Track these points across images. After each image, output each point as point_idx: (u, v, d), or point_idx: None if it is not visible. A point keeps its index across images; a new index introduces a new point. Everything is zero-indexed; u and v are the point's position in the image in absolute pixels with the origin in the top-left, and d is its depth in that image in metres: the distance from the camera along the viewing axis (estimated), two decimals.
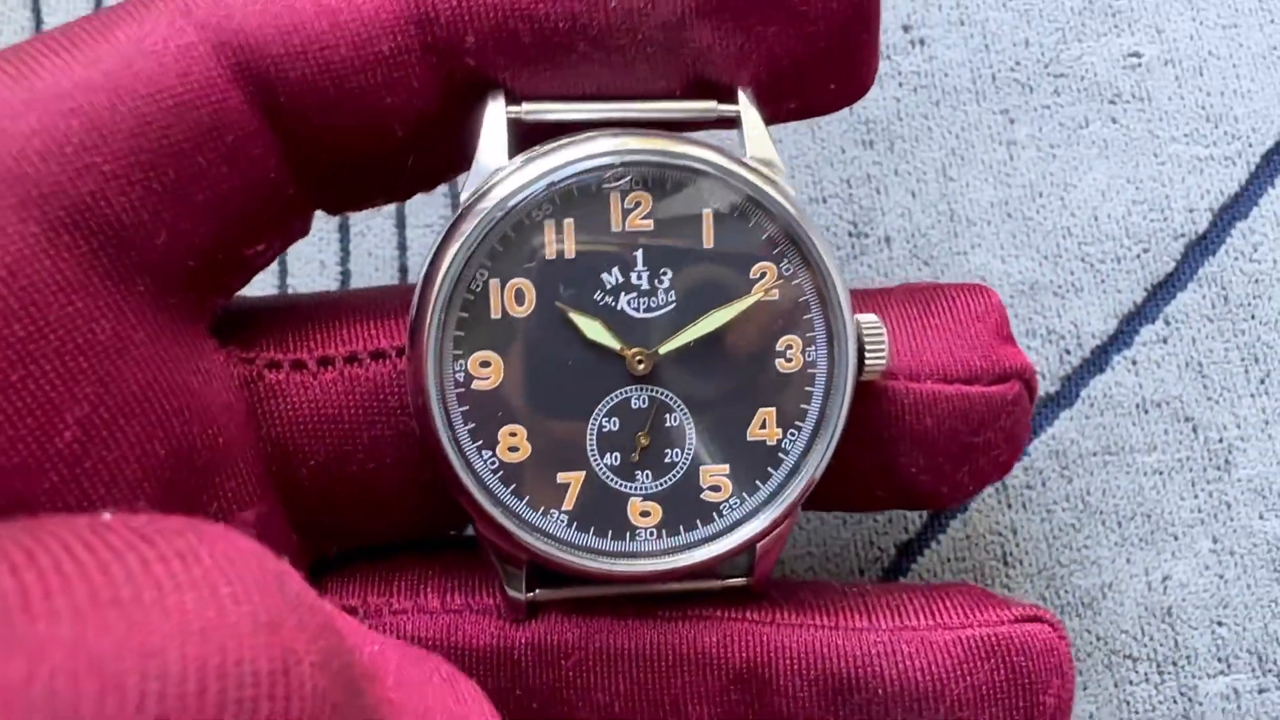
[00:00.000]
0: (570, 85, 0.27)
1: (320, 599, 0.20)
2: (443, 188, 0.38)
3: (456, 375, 0.27)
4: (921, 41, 0.40)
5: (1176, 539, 0.36)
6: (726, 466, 0.28)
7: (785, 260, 0.28)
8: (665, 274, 0.27)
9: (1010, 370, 0.30)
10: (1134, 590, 0.36)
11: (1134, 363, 0.38)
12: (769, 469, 0.28)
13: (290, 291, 0.39)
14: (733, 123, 0.28)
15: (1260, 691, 0.35)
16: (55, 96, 0.23)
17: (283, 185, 0.27)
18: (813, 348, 0.28)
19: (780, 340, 0.28)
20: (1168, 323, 0.38)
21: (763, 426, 0.28)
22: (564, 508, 0.28)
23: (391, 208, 0.39)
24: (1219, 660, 0.36)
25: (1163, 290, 0.38)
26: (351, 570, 0.30)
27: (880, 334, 0.28)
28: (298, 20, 0.25)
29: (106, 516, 0.18)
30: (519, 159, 0.27)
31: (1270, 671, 0.35)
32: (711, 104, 0.28)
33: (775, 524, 0.28)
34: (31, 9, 0.40)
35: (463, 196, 0.27)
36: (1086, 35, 0.40)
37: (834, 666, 0.28)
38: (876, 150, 0.40)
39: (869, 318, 0.28)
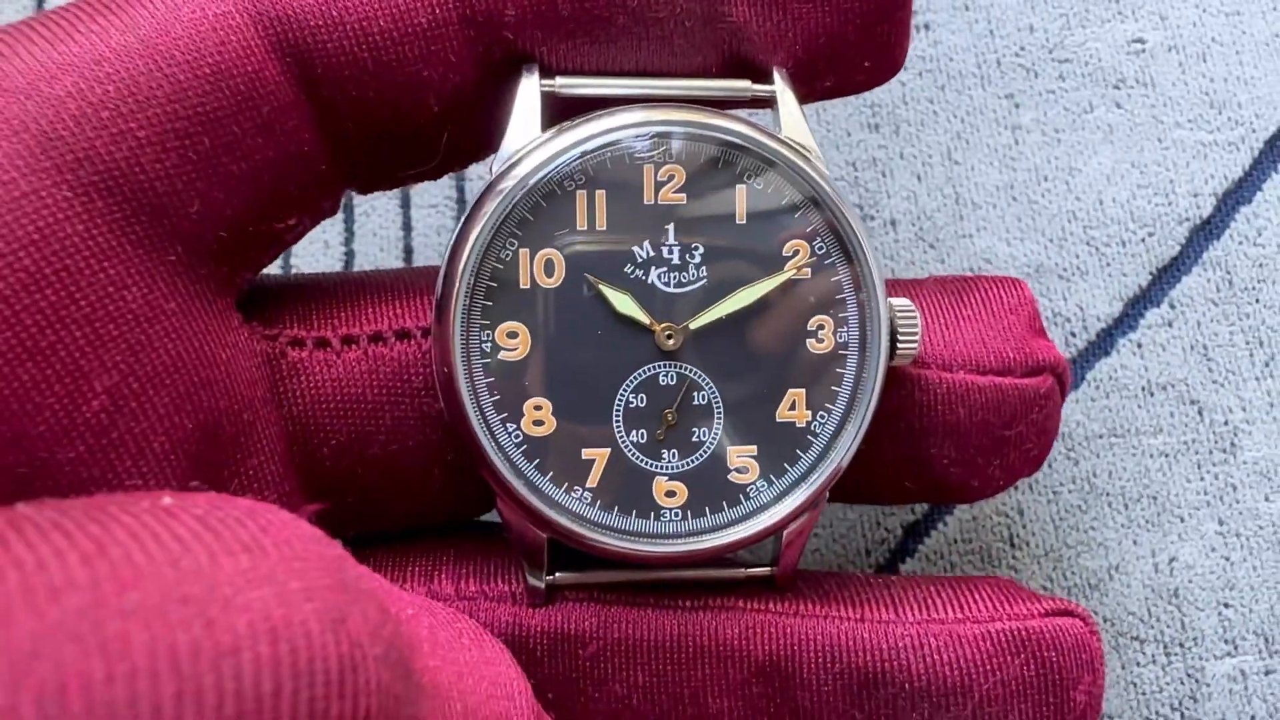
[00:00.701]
0: (606, 60, 0.27)
1: (369, 574, 0.20)
2: None
3: (483, 345, 0.27)
4: (926, 26, 0.40)
5: (1183, 521, 0.37)
6: (754, 447, 0.28)
7: (818, 239, 0.27)
8: (697, 249, 0.27)
9: (1043, 363, 0.30)
10: (1140, 572, 0.36)
11: (1139, 346, 0.38)
12: (798, 452, 0.28)
13: (294, 271, 0.38)
14: (767, 103, 0.28)
15: (1267, 673, 0.36)
16: (92, 61, 0.23)
17: (316, 159, 0.26)
18: (845, 329, 0.28)
19: (812, 320, 0.28)
20: (1172, 306, 0.38)
21: (792, 408, 0.28)
22: (588, 485, 0.27)
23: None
24: (1226, 642, 0.36)
25: (1167, 274, 0.38)
26: (364, 555, 0.29)
27: (914, 318, 0.28)
28: None
29: (167, 500, 0.18)
30: (551, 130, 0.27)
31: (1277, 653, 0.36)
32: (746, 83, 0.28)
33: (802, 509, 0.28)
34: None
35: (494, 167, 0.27)
36: (1091, 21, 0.40)
37: (859, 660, 0.28)
38: (882, 134, 0.40)
39: (902, 301, 0.28)
